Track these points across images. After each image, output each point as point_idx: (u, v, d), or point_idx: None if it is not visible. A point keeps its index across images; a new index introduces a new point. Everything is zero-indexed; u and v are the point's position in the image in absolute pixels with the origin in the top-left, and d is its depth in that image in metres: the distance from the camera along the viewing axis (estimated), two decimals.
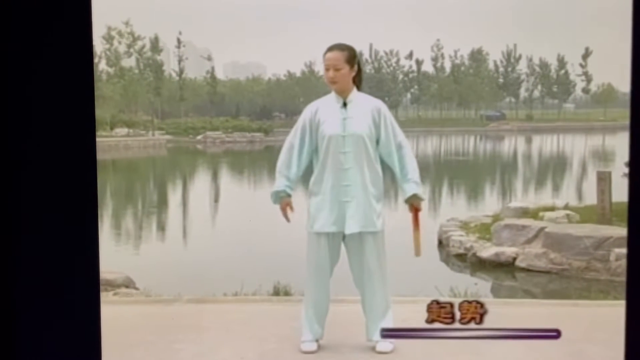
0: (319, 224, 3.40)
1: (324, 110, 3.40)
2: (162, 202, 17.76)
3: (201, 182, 23.40)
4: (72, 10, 0.89)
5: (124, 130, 43.85)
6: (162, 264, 8.96)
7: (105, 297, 5.45)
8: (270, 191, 3.53)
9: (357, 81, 3.47)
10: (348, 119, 3.36)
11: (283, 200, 3.46)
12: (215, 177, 24.94)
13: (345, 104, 3.40)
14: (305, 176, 3.54)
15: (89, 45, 0.90)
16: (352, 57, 3.42)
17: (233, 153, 37.23)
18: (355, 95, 3.42)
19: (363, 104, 3.41)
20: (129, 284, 6.48)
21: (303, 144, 3.44)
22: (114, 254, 9.51)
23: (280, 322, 3.98)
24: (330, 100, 3.44)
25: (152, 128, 49.48)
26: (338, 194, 3.37)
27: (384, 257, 3.43)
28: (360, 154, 3.35)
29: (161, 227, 13.17)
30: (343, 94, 3.41)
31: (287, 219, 3.48)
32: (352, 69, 3.41)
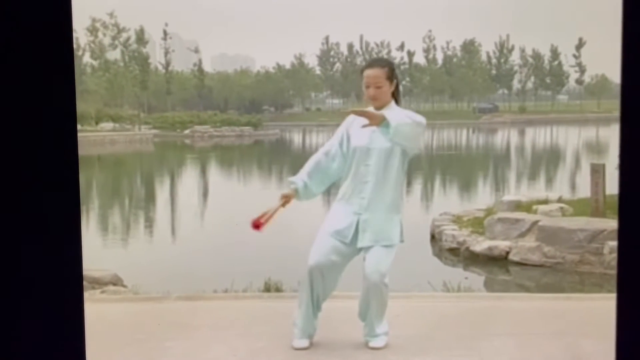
0: (329, 227, 3.35)
1: (359, 122, 3.32)
2: (150, 198, 17.58)
3: (189, 177, 23.23)
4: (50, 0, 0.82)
5: (110, 125, 43.37)
6: (150, 261, 8.84)
7: (93, 295, 5.34)
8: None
9: (396, 94, 3.42)
10: (376, 132, 3.27)
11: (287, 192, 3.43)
12: (203, 172, 24.77)
13: None
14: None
15: (68, 29, 0.83)
16: (392, 73, 3.39)
17: (222, 147, 37.03)
18: (390, 109, 3.34)
19: (395, 117, 3.27)
20: (116, 281, 6.34)
21: (337, 152, 3.43)
22: (101, 252, 9.37)
23: (271, 318, 3.91)
24: None
25: (139, 122, 49.13)
26: (353, 206, 3.34)
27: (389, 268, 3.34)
28: (384, 168, 3.30)
29: (149, 224, 13.01)
30: (379, 109, 3.34)
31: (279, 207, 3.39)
32: (392, 85, 3.38)
